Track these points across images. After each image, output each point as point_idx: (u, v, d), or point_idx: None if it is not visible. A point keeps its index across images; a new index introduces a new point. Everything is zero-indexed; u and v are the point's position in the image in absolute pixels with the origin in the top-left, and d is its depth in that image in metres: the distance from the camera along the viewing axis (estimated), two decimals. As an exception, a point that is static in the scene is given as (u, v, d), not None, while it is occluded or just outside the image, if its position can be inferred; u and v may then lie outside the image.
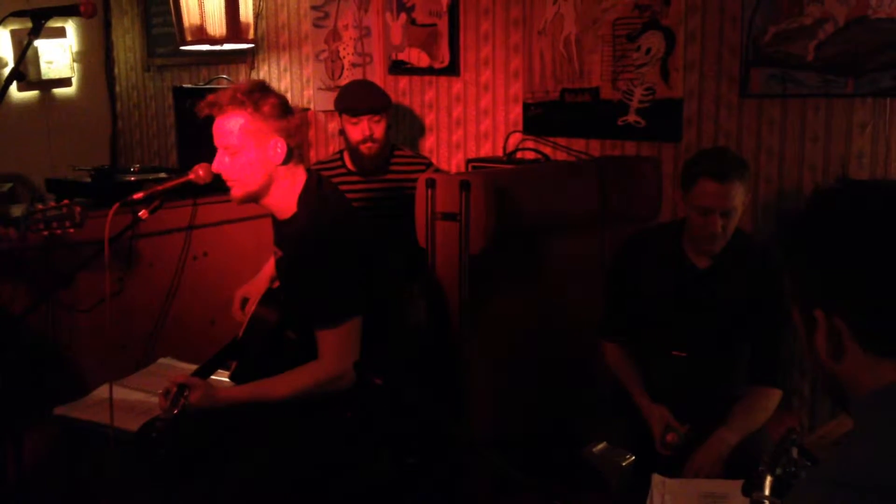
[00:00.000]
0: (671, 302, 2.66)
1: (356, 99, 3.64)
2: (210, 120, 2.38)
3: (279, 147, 2.35)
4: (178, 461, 2.36)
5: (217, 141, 2.37)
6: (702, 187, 2.51)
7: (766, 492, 1.59)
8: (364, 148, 3.58)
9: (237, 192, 2.39)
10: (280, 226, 2.49)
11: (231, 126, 2.34)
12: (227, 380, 2.57)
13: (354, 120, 3.57)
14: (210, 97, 2.38)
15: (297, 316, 2.49)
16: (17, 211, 3.02)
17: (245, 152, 2.34)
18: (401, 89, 4.23)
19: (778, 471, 1.62)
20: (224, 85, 4.40)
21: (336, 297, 2.34)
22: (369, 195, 3.63)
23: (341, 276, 2.34)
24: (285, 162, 2.36)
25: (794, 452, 1.66)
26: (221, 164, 2.38)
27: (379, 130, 3.58)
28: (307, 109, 4.59)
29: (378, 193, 3.64)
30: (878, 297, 1.15)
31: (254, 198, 2.41)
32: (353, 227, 2.44)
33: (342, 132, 3.67)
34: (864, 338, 1.17)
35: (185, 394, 2.22)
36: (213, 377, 2.61)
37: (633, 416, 2.62)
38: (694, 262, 2.65)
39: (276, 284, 2.69)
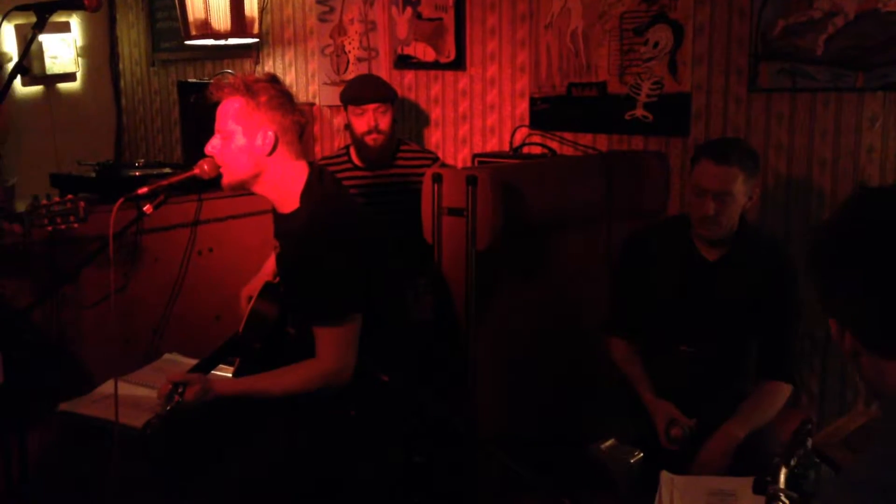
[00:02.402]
0: (679, 295, 2.64)
1: (361, 89, 3.64)
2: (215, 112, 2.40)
3: (267, 138, 2.34)
4: (178, 459, 2.35)
5: (215, 123, 2.39)
6: (701, 167, 2.54)
7: (781, 484, 1.58)
8: (369, 139, 3.56)
9: (225, 178, 2.40)
10: (280, 219, 2.48)
11: (227, 110, 2.36)
12: (230, 376, 2.56)
13: (359, 110, 3.56)
14: (219, 80, 2.41)
15: (297, 311, 2.47)
16: (21, 206, 3.01)
17: (235, 138, 2.35)
18: (406, 84, 4.21)
19: (793, 462, 1.61)
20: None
21: (335, 295, 2.33)
22: (375, 190, 3.62)
23: (341, 273, 2.32)
24: (272, 153, 2.35)
25: (809, 443, 1.66)
26: (213, 146, 2.39)
27: (384, 122, 3.56)
28: (312, 104, 4.57)
29: (384, 188, 3.63)
30: (877, 310, 1.26)
31: (241, 186, 2.41)
32: (355, 224, 2.43)
33: (348, 126, 3.66)
34: (870, 345, 1.29)
35: (179, 391, 2.21)
36: (215, 372, 2.60)
37: (640, 413, 2.61)
38: (703, 254, 2.64)
39: (277, 279, 2.67)
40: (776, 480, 1.67)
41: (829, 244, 1.33)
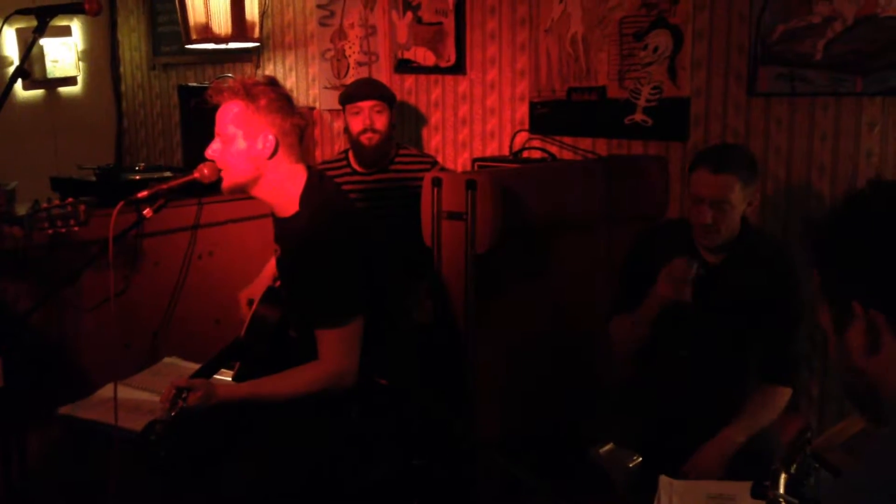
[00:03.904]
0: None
1: (357, 88, 3.67)
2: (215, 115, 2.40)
3: (268, 141, 2.35)
4: (179, 462, 2.35)
5: (215, 127, 2.40)
6: (697, 176, 2.54)
7: (781, 490, 1.58)
8: (364, 138, 3.57)
9: (225, 181, 2.41)
10: (280, 223, 2.48)
11: (226, 114, 2.37)
12: (230, 380, 2.56)
13: (355, 109, 3.58)
14: (219, 84, 2.42)
15: (299, 315, 2.48)
16: (21, 209, 3.01)
17: (235, 142, 2.35)
18: (406, 88, 4.22)
19: (793, 469, 1.61)
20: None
21: (337, 298, 2.33)
22: (374, 194, 3.62)
23: (342, 276, 2.33)
24: (272, 156, 2.36)
25: (808, 450, 1.65)
26: (213, 149, 2.40)
27: (380, 121, 3.57)
28: (312, 108, 4.58)
29: (383, 192, 3.63)
30: None
31: (242, 189, 2.42)
32: (355, 227, 2.43)
33: (347, 130, 3.67)
34: None
35: (184, 395, 2.21)
36: (216, 377, 2.60)
37: (640, 416, 2.61)
38: (704, 258, 2.63)
39: (279, 283, 2.68)
40: (776, 486, 1.67)
41: (851, 222, 1.29)
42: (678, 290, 2.50)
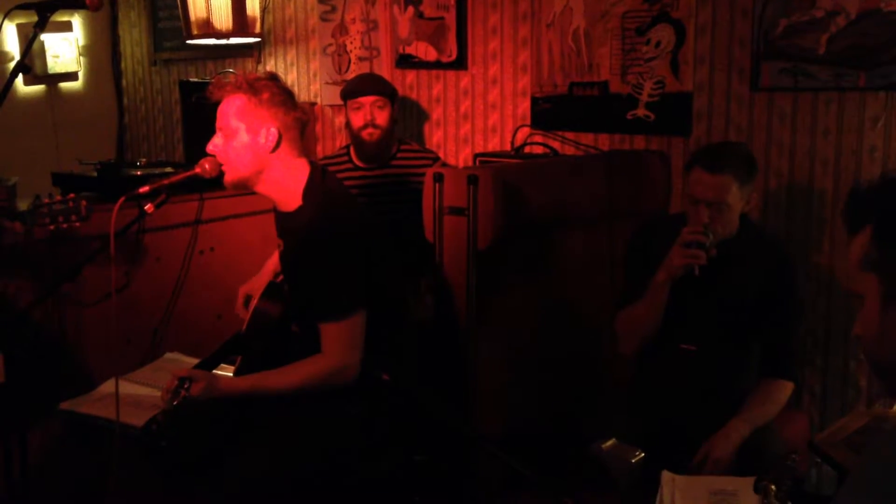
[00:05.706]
0: (680, 293, 2.63)
1: (359, 83, 3.68)
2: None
3: (270, 134, 2.34)
4: (181, 456, 2.35)
5: (216, 122, 2.40)
6: (693, 176, 2.52)
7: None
8: (365, 134, 3.57)
9: (227, 176, 2.41)
10: (283, 218, 2.48)
11: (229, 108, 2.37)
12: (231, 375, 2.56)
13: (356, 104, 3.57)
14: (220, 79, 2.42)
15: (301, 309, 2.48)
16: (22, 205, 3.01)
17: (238, 136, 2.35)
18: (408, 83, 4.21)
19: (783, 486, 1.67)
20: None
21: (339, 292, 2.33)
22: (375, 189, 3.62)
23: (345, 270, 2.33)
24: (275, 150, 2.35)
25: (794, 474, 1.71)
26: (215, 144, 2.40)
27: (381, 117, 3.56)
28: (314, 104, 4.57)
29: (384, 187, 3.63)
30: None
31: (244, 184, 2.42)
32: (357, 223, 2.43)
33: (348, 125, 3.67)
34: None
35: (186, 386, 2.21)
36: (216, 371, 2.60)
37: (641, 412, 2.60)
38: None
39: (280, 278, 2.67)
40: (768, 497, 1.73)
41: None
42: (692, 255, 2.46)
